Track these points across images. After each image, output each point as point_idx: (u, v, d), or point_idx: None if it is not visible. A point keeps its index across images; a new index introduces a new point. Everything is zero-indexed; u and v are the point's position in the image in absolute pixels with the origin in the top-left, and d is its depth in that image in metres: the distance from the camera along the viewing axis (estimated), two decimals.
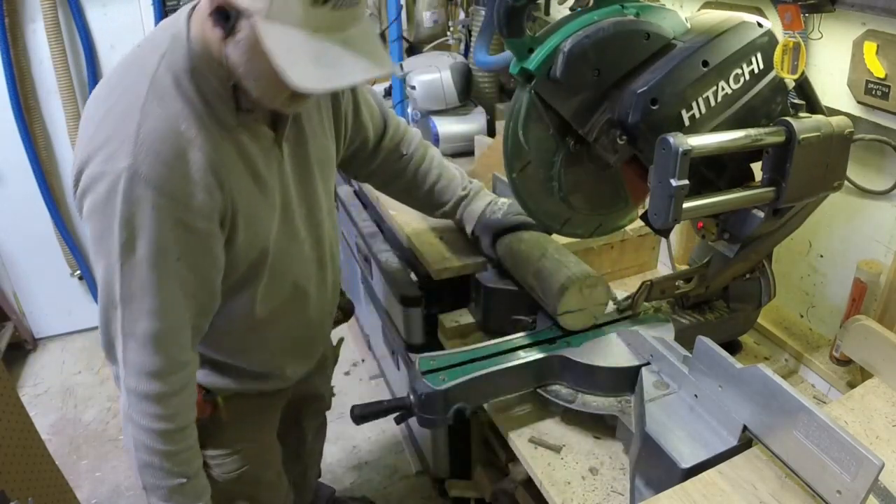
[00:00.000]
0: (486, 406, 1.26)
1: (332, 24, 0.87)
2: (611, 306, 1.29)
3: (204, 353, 1.15)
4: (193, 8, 0.97)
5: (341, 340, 1.65)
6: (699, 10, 1.39)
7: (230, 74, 0.94)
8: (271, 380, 1.29)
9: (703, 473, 0.92)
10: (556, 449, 1.15)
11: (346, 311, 1.54)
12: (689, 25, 1.02)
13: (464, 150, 2.19)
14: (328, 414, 2.50)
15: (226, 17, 0.88)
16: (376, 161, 1.41)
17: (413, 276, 1.67)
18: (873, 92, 1.10)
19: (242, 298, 1.11)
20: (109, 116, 0.93)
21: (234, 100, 0.98)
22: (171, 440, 1.03)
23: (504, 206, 1.44)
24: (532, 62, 0.97)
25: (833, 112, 1.09)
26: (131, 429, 1.03)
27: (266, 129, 1.06)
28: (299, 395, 1.52)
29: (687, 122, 0.97)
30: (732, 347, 1.37)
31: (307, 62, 0.86)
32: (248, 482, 1.34)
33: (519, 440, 1.18)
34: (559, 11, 2.04)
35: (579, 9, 1.00)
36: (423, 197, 1.48)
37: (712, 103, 0.98)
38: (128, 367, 0.98)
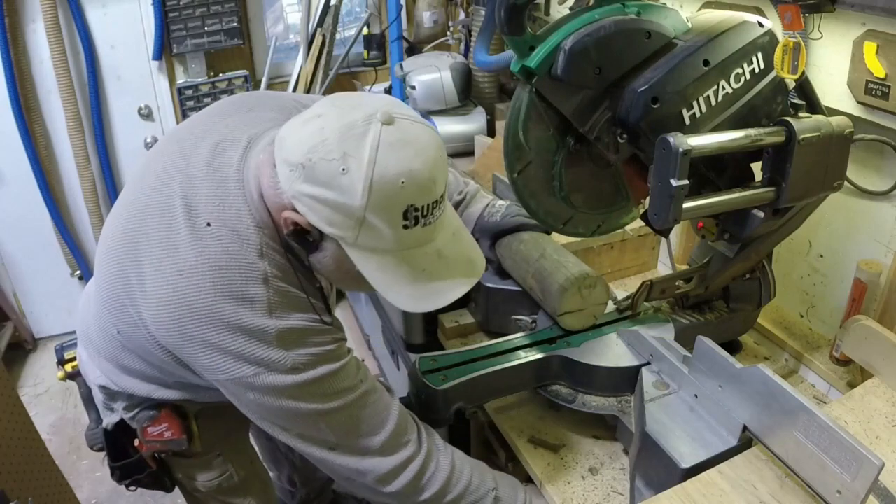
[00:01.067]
0: (486, 406, 1.26)
1: (422, 238, 0.89)
2: (611, 306, 1.29)
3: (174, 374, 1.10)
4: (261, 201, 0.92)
5: None
6: (699, 9, 1.39)
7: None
8: None
9: (703, 473, 0.92)
10: (556, 449, 1.15)
11: None
12: (689, 25, 1.02)
13: (464, 150, 2.20)
14: None
15: (307, 237, 0.88)
16: None
17: None
18: (873, 92, 1.10)
19: None
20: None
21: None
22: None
23: (502, 207, 1.43)
24: (533, 60, 0.97)
25: (833, 112, 1.09)
26: None
27: None
28: None
29: (687, 121, 0.97)
30: (732, 347, 1.37)
31: (404, 284, 0.90)
32: (233, 491, 1.33)
33: (519, 440, 1.18)
34: (559, 11, 2.04)
35: (579, 8, 1.00)
36: None
37: (713, 102, 0.98)
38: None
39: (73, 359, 1.31)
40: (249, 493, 1.36)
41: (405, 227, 0.85)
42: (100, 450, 1.27)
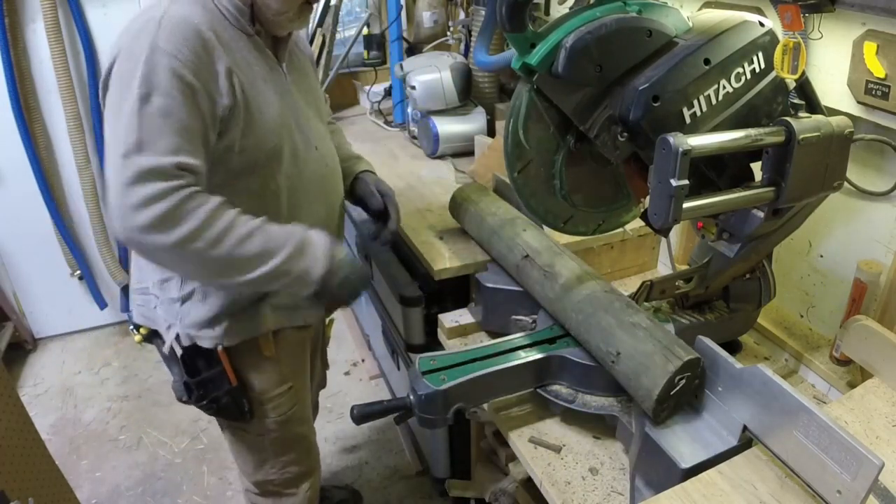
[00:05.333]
0: (486, 406, 1.26)
1: None
2: None
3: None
4: None
5: (332, 321, 1.71)
6: (700, 9, 1.39)
7: None
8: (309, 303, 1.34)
9: (703, 473, 0.92)
10: (556, 449, 1.15)
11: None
12: (690, 24, 1.02)
13: (464, 150, 2.20)
14: (329, 413, 2.51)
15: None
16: None
17: (413, 277, 1.67)
18: (873, 92, 1.10)
19: (272, 182, 1.20)
20: (135, 23, 1.05)
21: (250, 18, 1.14)
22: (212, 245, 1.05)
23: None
24: (534, 57, 0.97)
25: (833, 112, 1.09)
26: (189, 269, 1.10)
27: (270, 53, 1.20)
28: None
29: (688, 120, 0.97)
30: (732, 347, 1.37)
31: None
32: (298, 421, 1.43)
33: (519, 440, 1.18)
34: (559, 11, 2.04)
35: (580, 6, 1.00)
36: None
37: (713, 101, 0.98)
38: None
39: None
40: (307, 424, 1.50)
41: None
42: (186, 401, 1.31)
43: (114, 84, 1.04)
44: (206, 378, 1.27)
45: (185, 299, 1.23)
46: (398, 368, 2.06)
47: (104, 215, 2.40)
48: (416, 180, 2.06)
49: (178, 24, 1.03)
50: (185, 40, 1.03)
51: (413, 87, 2.17)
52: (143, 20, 1.04)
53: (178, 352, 1.28)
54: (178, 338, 1.26)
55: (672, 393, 0.99)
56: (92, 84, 2.58)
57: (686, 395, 1.02)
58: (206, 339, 1.25)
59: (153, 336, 1.34)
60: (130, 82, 1.00)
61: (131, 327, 1.36)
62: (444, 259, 1.53)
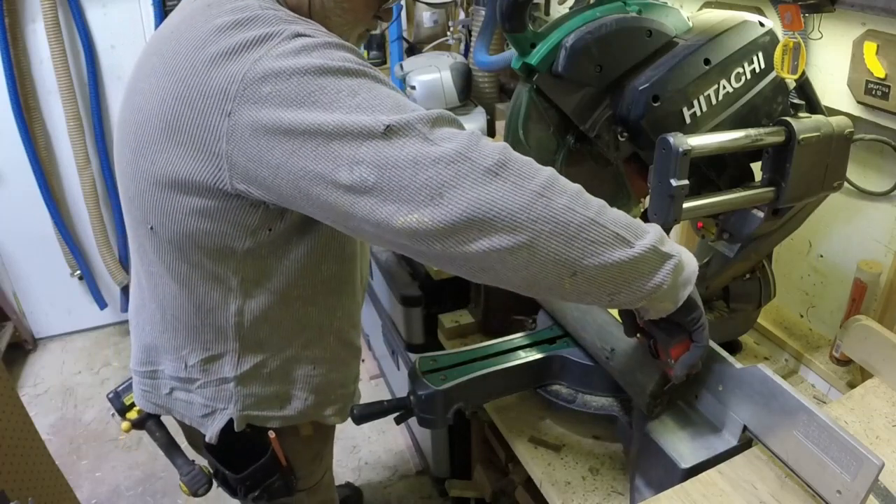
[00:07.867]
0: (486, 406, 1.26)
1: None
2: None
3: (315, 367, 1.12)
4: None
5: None
6: (700, 9, 1.39)
7: (310, 13, 0.93)
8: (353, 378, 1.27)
9: (703, 473, 0.92)
10: (556, 449, 1.15)
11: None
12: (690, 24, 1.03)
13: None
14: None
15: None
16: None
17: (413, 277, 1.67)
18: (873, 92, 1.10)
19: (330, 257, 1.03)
20: (230, 26, 0.80)
21: None
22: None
23: None
24: (534, 57, 0.97)
25: (833, 112, 1.09)
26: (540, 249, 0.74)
27: None
28: None
29: (688, 120, 0.97)
30: (732, 347, 1.37)
31: None
32: (326, 487, 1.42)
33: (519, 440, 1.18)
34: (558, 11, 2.04)
35: (580, 6, 1.00)
36: None
37: (713, 101, 0.98)
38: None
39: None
40: (333, 485, 1.48)
41: None
42: (206, 490, 1.18)
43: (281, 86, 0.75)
44: (255, 469, 1.13)
45: (243, 378, 1.05)
46: (398, 368, 2.06)
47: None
48: None
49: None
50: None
51: (413, 87, 2.17)
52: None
53: (214, 441, 1.10)
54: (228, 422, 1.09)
55: (666, 388, 0.99)
56: (92, 84, 2.58)
57: (682, 393, 1.02)
58: (273, 419, 1.10)
59: (146, 420, 1.18)
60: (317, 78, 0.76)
61: (112, 413, 1.19)
62: None
